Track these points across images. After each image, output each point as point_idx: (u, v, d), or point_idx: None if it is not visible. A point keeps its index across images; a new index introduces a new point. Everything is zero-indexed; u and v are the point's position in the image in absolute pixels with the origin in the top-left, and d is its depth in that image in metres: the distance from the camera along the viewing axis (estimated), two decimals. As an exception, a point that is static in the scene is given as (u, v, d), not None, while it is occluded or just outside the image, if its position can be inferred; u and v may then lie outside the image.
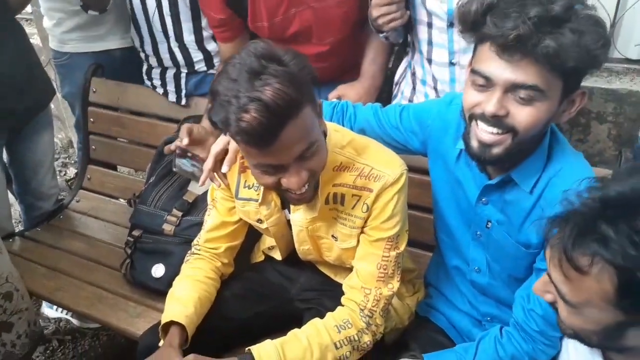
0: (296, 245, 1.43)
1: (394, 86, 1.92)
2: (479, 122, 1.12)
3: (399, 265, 1.33)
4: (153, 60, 2.06)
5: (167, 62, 2.03)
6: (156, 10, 1.91)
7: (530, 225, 1.22)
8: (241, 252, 1.61)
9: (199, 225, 1.57)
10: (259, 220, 1.42)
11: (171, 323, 1.32)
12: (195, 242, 1.52)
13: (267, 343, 1.24)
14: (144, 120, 2.18)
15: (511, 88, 1.06)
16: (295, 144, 1.09)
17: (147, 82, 2.15)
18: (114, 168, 2.35)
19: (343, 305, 1.33)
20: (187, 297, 1.39)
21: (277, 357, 1.22)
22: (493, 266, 1.34)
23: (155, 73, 2.11)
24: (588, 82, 2.20)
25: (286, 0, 1.71)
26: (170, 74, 2.08)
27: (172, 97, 2.10)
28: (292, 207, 1.34)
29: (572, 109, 1.13)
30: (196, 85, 2.07)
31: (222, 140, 1.36)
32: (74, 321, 2.32)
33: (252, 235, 1.63)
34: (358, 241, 1.33)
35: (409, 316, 1.54)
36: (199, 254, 1.49)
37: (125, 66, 2.19)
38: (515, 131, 1.09)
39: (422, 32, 1.69)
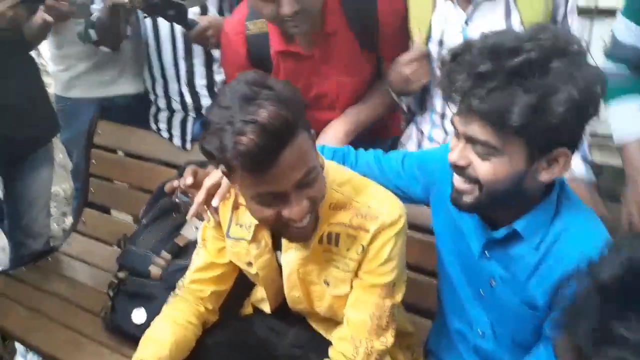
0: (286, 292, 1.32)
1: (398, 146, 1.87)
2: (453, 172, 1.10)
3: (394, 318, 1.22)
4: (162, 103, 2.05)
5: (176, 105, 2.02)
6: (171, 52, 1.92)
7: (536, 283, 1.12)
8: (229, 305, 1.50)
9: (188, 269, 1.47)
10: (249, 264, 1.33)
11: None
12: (179, 282, 1.42)
13: None
14: (146, 165, 2.14)
15: (469, 141, 1.03)
16: (295, 169, 1.03)
17: (153, 126, 2.13)
18: (110, 213, 2.29)
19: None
20: (163, 339, 1.28)
21: None
22: (498, 330, 1.23)
23: (163, 117, 2.09)
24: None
25: (306, 72, 1.70)
26: (177, 119, 2.06)
27: (177, 141, 2.07)
28: (283, 246, 1.25)
29: (556, 169, 1.03)
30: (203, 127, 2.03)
31: (216, 174, 1.31)
32: (47, 375, 2.16)
33: (243, 288, 1.54)
34: (351, 287, 1.22)
35: (405, 385, 1.40)
36: (182, 296, 1.39)
37: (129, 114, 2.18)
38: (479, 183, 1.05)
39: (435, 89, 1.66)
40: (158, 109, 2.11)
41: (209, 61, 1.93)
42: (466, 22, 1.55)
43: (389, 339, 1.20)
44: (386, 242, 1.17)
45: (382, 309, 1.19)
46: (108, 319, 1.66)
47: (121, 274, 1.68)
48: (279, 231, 1.17)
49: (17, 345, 2.19)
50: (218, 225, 1.34)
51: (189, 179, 1.42)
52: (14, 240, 2.10)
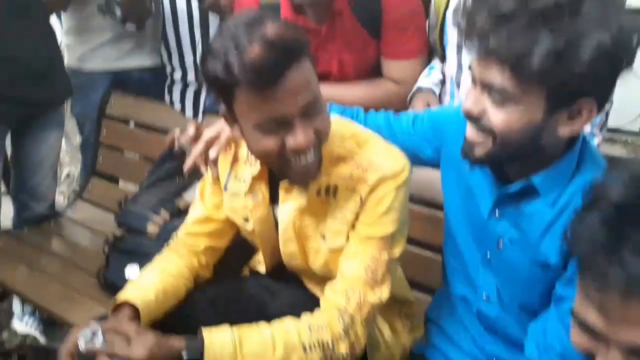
0: (281, 247, 1.27)
1: None
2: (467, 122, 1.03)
3: (391, 272, 1.15)
4: (177, 75, 2.06)
5: (191, 77, 2.02)
6: (187, 22, 1.92)
7: (549, 241, 1.04)
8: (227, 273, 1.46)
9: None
10: (246, 219, 1.28)
11: (124, 305, 1.16)
12: (173, 234, 1.38)
13: (224, 328, 1.06)
14: (157, 136, 2.12)
15: (486, 88, 0.97)
16: (301, 91, 0.99)
17: (167, 98, 2.13)
18: (117, 182, 2.27)
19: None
20: (149, 284, 1.23)
21: (232, 346, 1.03)
22: (504, 295, 1.15)
23: (177, 89, 2.09)
24: (622, 154, 2.07)
25: (313, 47, 1.69)
26: (190, 91, 2.06)
27: (189, 113, 2.07)
28: (280, 198, 1.20)
29: (577, 124, 0.96)
30: (214, 101, 2.02)
31: (216, 127, 1.28)
32: (42, 339, 2.13)
33: (241, 257, 1.49)
34: (348, 240, 1.16)
35: (402, 354, 1.32)
36: (175, 248, 1.35)
37: (143, 86, 2.18)
38: (493, 133, 0.98)
39: (452, 57, 1.64)
40: (173, 82, 2.11)
41: None
42: None
43: (384, 293, 1.13)
44: (386, 194, 1.11)
45: (378, 262, 1.12)
46: (102, 277, 1.62)
47: (118, 232, 1.66)
48: (281, 170, 1.10)
49: (15, 306, 2.18)
50: (216, 179, 1.31)
51: (191, 130, 1.39)
52: (19, 202, 2.08)
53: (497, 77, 0.93)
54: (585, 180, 1.02)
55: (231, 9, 1.80)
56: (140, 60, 2.17)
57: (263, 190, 1.23)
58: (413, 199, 1.39)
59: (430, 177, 1.52)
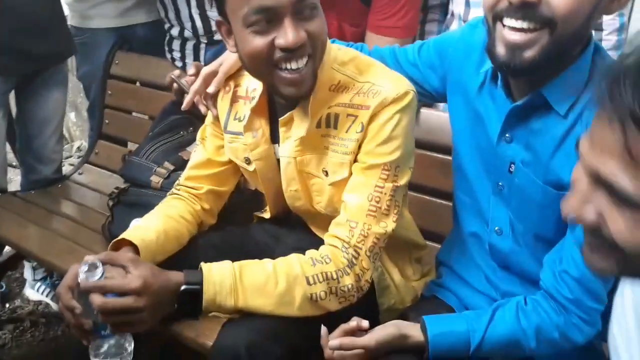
0: (284, 188, 1.22)
1: None
2: (505, 19, 0.91)
3: (396, 204, 1.09)
4: (175, 31, 2.01)
5: (188, 31, 1.96)
6: None
7: (562, 156, 0.98)
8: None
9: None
10: (247, 160, 1.24)
11: (123, 244, 1.12)
12: (176, 182, 1.34)
13: (224, 262, 1.03)
14: (161, 94, 2.07)
15: None
16: None
17: (167, 55, 2.09)
18: (125, 144, 2.24)
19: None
20: (150, 225, 1.20)
21: (232, 277, 0.99)
22: (516, 226, 1.09)
23: (176, 44, 2.05)
24: None
25: None
26: (190, 45, 2.01)
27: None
28: (281, 137, 1.16)
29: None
30: (214, 55, 1.94)
31: (214, 63, 1.25)
32: (54, 306, 2.13)
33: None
34: (350, 173, 1.11)
35: (413, 298, 1.28)
36: (177, 194, 1.32)
37: (147, 44, 2.14)
38: (552, 23, 0.88)
39: None
40: (171, 38, 2.06)
41: None
42: None
43: (389, 224, 1.08)
44: (388, 120, 1.05)
45: (382, 191, 1.07)
46: (106, 230, 1.60)
47: (123, 185, 1.63)
48: (273, 82, 1.05)
49: (26, 273, 2.18)
50: (216, 119, 1.27)
51: (191, 70, 1.35)
52: (25, 164, 2.06)
53: None
54: None
55: None
56: (142, 16, 2.12)
57: (263, 126, 1.18)
58: (420, 144, 1.33)
59: (435, 119, 1.47)
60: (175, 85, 1.35)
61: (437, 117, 1.46)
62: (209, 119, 1.31)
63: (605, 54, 1.00)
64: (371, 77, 1.09)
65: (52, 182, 2.06)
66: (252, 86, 1.20)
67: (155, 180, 1.57)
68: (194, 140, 1.72)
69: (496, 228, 1.13)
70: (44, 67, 1.92)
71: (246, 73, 1.19)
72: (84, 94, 2.42)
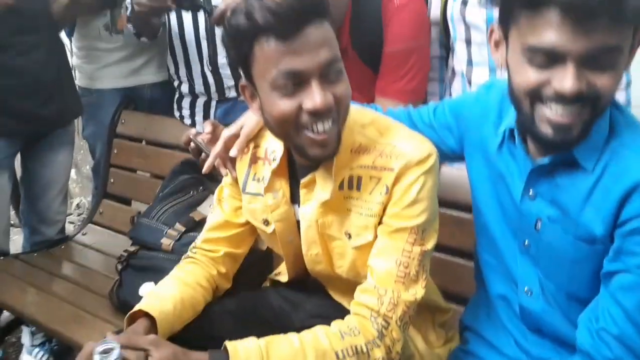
0: (304, 251, 1.19)
1: None
2: (553, 105, 0.91)
3: (424, 269, 1.06)
4: (185, 87, 2.01)
5: (199, 87, 1.97)
6: (193, 33, 1.89)
7: (592, 210, 0.96)
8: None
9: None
10: (266, 222, 1.21)
11: (140, 317, 1.08)
12: (192, 245, 1.31)
13: (250, 340, 0.98)
14: (167, 152, 2.07)
15: (587, 58, 0.87)
16: (321, 48, 0.96)
17: (177, 113, 2.09)
18: (129, 203, 2.21)
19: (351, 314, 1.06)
20: (167, 294, 1.16)
21: (259, 355, 0.95)
22: (547, 285, 1.06)
23: (186, 102, 2.05)
24: None
25: None
26: (200, 102, 2.01)
27: (199, 127, 2.01)
28: (302, 198, 1.13)
29: (636, 45, 0.93)
30: (225, 112, 1.98)
31: (234, 126, 1.23)
32: (52, 371, 2.04)
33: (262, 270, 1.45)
34: (376, 236, 1.08)
35: (438, 365, 1.23)
36: (193, 258, 1.28)
37: (153, 102, 2.16)
38: (596, 103, 0.90)
39: (461, 51, 1.59)
40: (181, 95, 2.07)
41: None
42: None
43: (419, 291, 1.04)
44: (413, 182, 1.04)
45: (411, 256, 1.04)
46: (114, 295, 1.55)
47: (132, 248, 1.59)
48: (299, 143, 1.03)
49: (24, 338, 2.09)
50: (235, 181, 1.25)
51: (207, 128, 1.34)
52: (28, 225, 2.03)
53: (611, 38, 0.86)
54: (624, 143, 0.95)
55: None
56: (150, 76, 2.14)
57: (284, 187, 1.16)
58: (439, 201, 1.32)
59: (454, 176, 1.45)
60: (192, 144, 1.33)
61: (455, 173, 1.44)
62: (226, 180, 1.29)
63: (622, 108, 1.00)
64: (392, 139, 1.08)
65: (55, 243, 2.02)
66: (271, 147, 1.19)
67: (167, 242, 1.53)
68: (204, 199, 1.70)
69: (526, 289, 1.09)
70: (50, 129, 1.91)
71: (265, 134, 1.19)
72: (84, 151, 2.41)
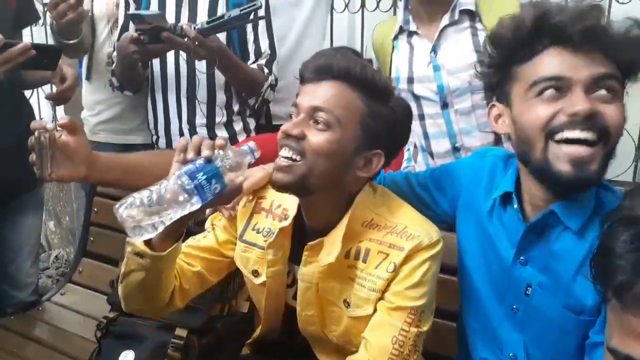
0: (298, 310, 1.19)
1: None
2: (566, 132, 0.93)
3: (417, 349, 1.08)
4: (162, 142, 2.01)
5: (176, 144, 1.97)
6: (175, 89, 1.91)
7: (584, 280, 0.97)
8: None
9: (184, 309, 1.30)
10: (255, 273, 1.22)
11: None
12: None
13: None
14: (149, 210, 2.06)
15: (592, 84, 0.92)
16: (318, 96, 1.06)
17: (154, 170, 2.08)
18: (109, 262, 2.18)
19: None
20: None
21: None
22: (532, 352, 1.07)
23: (163, 158, 2.04)
24: None
25: None
26: (175, 162, 2.01)
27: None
28: (304, 259, 1.15)
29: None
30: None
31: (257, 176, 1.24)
32: None
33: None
34: (374, 310, 1.10)
35: None
36: None
37: None
38: (607, 134, 0.93)
39: (416, 127, 1.63)
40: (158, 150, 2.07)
41: (211, 100, 1.91)
42: (434, 51, 1.53)
43: None
44: (421, 264, 1.07)
45: (407, 335, 1.06)
46: (93, 364, 1.51)
47: (111, 314, 1.56)
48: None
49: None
50: (232, 222, 1.26)
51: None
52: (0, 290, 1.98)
53: (606, 65, 0.93)
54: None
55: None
56: (142, 138, 2.15)
57: (285, 247, 1.18)
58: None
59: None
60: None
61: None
62: (226, 213, 1.27)
63: (609, 186, 1.04)
64: (404, 219, 1.12)
65: (29, 306, 1.97)
66: (277, 202, 1.22)
67: (147, 308, 1.51)
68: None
69: (510, 354, 1.10)
70: (17, 194, 1.89)
71: (271, 188, 1.17)
72: (64, 203, 2.39)
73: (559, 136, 0.93)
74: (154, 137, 2.05)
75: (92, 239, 2.14)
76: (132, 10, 1.81)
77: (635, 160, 2.15)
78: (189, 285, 1.24)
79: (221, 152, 0.99)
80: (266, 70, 1.87)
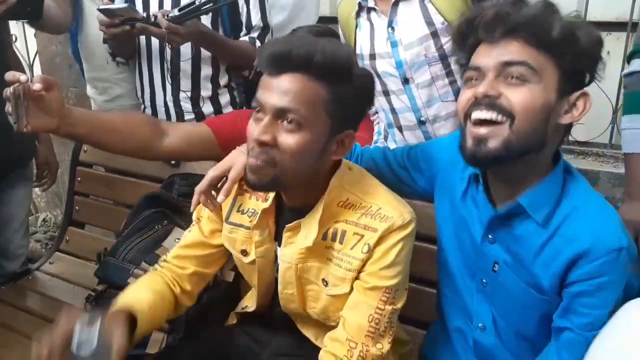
0: (279, 289, 1.24)
1: None
2: (473, 113, 1.01)
3: (392, 325, 1.14)
4: (148, 112, 2.01)
5: (162, 115, 1.97)
6: (158, 61, 1.89)
7: (541, 264, 1.04)
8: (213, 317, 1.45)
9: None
10: (244, 252, 1.26)
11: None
12: (162, 258, 1.33)
13: None
14: (131, 180, 2.07)
15: (501, 69, 0.99)
16: (284, 94, 1.02)
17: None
18: (95, 231, 2.21)
19: None
20: (142, 297, 1.19)
21: None
22: (500, 322, 1.14)
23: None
24: (594, 166, 2.17)
25: None
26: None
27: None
28: (284, 240, 1.18)
29: (577, 113, 1.02)
30: None
31: (222, 166, 1.25)
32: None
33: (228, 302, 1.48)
34: (351, 289, 1.15)
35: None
36: (161, 271, 1.30)
37: None
38: (511, 116, 0.98)
39: (383, 103, 1.65)
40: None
41: (195, 74, 1.90)
42: (391, 27, 1.54)
43: (385, 345, 1.12)
44: (394, 245, 1.11)
45: (382, 313, 1.11)
46: (84, 335, 1.56)
47: (99, 287, 1.61)
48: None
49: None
50: (217, 210, 1.28)
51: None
52: (-10, 261, 2.01)
53: (520, 52, 0.99)
54: (575, 207, 1.03)
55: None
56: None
57: (270, 226, 1.21)
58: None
59: (423, 211, 1.50)
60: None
61: (425, 208, 1.49)
62: (210, 206, 1.27)
63: (575, 174, 1.08)
64: (378, 200, 1.14)
65: (19, 276, 2.01)
66: None
67: (134, 282, 1.55)
68: (168, 234, 1.72)
69: (480, 324, 1.17)
70: (7, 171, 1.89)
71: None
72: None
73: (472, 117, 1.01)
74: (142, 107, 2.05)
75: (77, 208, 2.16)
76: (102, 5, 1.77)
77: (612, 122, 2.20)
78: (190, 286, 1.29)
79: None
80: (258, 43, 1.86)
